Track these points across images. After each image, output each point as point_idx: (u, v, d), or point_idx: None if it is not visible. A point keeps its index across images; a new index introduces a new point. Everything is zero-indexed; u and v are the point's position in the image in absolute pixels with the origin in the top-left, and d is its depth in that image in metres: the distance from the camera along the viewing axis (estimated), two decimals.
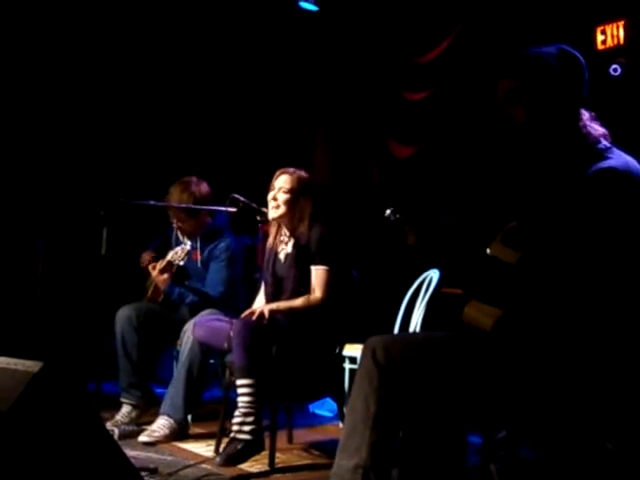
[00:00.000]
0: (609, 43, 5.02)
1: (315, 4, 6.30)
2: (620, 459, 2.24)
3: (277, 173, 3.91)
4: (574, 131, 2.33)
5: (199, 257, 4.49)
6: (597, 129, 2.35)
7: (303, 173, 3.93)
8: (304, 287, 3.82)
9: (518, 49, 2.40)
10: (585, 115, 2.36)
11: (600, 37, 5.05)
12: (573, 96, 2.34)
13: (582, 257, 2.14)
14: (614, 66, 4.91)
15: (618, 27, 4.99)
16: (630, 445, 2.25)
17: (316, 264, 3.80)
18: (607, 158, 2.25)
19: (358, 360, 2.36)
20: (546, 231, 2.24)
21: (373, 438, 2.24)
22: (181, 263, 4.34)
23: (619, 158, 2.26)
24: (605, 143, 2.32)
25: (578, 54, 2.37)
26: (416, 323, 4.37)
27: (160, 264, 4.34)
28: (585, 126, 2.34)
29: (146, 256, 4.59)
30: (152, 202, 4.21)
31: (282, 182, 3.86)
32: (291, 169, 3.91)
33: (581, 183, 2.20)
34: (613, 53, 4.99)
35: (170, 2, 6.18)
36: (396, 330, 4.55)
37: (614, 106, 4.53)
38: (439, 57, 5.98)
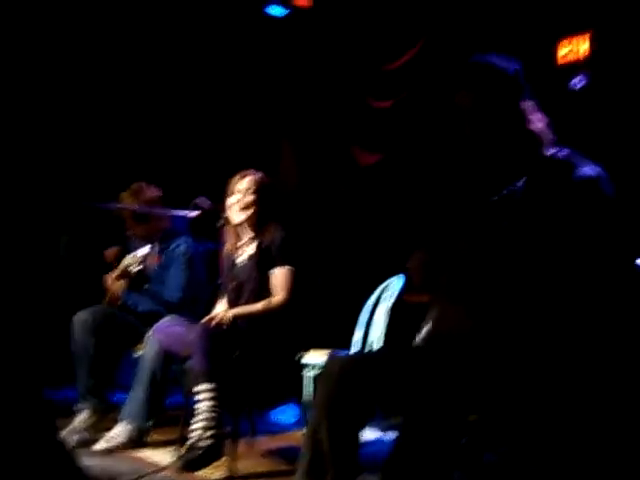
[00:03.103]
0: (571, 56, 5.07)
1: (283, 8, 6.30)
2: (584, 463, 2.24)
3: (238, 176, 3.91)
4: (529, 135, 2.36)
5: (158, 261, 4.46)
6: (550, 134, 2.39)
7: (262, 174, 3.94)
8: (264, 290, 3.79)
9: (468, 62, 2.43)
10: (544, 120, 2.39)
11: (563, 50, 5.09)
12: (521, 98, 2.39)
13: (563, 264, 2.15)
14: (576, 79, 4.95)
15: (581, 41, 5.03)
16: (594, 450, 2.25)
17: (277, 265, 3.78)
18: (579, 166, 2.29)
19: (320, 366, 2.35)
20: (528, 237, 2.24)
21: (340, 461, 2.22)
22: (136, 268, 4.31)
23: (590, 165, 2.29)
24: (564, 150, 2.36)
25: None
26: (379, 330, 4.35)
27: (116, 271, 4.32)
28: (542, 132, 2.37)
29: (111, 253, 4.55)
30: (112, 206, 4.18)
31: (245, 183, 3.85)
32: (251, 171, 3.91)
33: (563, 192, 2.23)
34: (575, 66, 5.03)
35: (134, 4, 6.13)
36: (357, 336, 4.52)
37: (576, 119, 4.57)
38: (406, 65, 6.00)
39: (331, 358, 2.35)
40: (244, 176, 3.89)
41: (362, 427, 2.30)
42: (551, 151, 2.37)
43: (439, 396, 2.22)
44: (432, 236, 2.45)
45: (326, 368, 2.32)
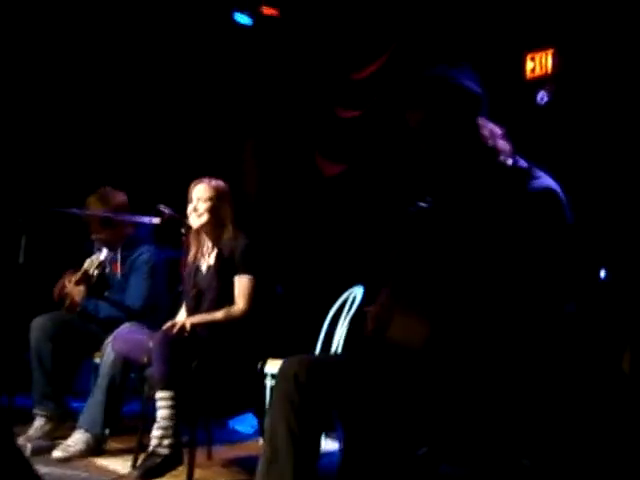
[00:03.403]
0: (537, 71, 5.11)
1: (250, 17, 6.29)
2: (535, 475, 2.25)
3: (193, 184, 3.90)
4: (478, 145, 2.36)
5: (120, 269, 4.42)
6: (504, 144, 2.39)
7: (220, 181, 3.93)
8: (226, 299, 3.77)
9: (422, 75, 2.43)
10: (497, 132, 2.40)
11: (529, 65, 5.13)
12: (479, 108, 2.39)
13: (519, 274, 2.16)
14: (541, 94, 5.00)
15: (547, 55, 5.08)
16: (545, 461, 2.26)
17: (239, 274, 3.77)
18: (537, 177, 2.30)
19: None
20: (481, 249, 2.24)
21: (297, 462, 2.20)
22: (96, 272, 4.27)
23: (548, 177, 2.30)
24: (524, 162, 2.37)
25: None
26: (339, 340, 4.36)
27: (76, 276, 4.27)
28: (491, 140, 2.38)
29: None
30: (72, 210, 4.13)
31: (200, 192, 3.85)
32: (206, 178, 3.91)
33: (520, 201, 2.23)
34: (541, 81, 5.08)
35: (99, 7, 6.10)
36: (318, 346, 4.53)
37: (540, 133, 4.61)
38: (373, 75, 6.02)
39: (286, 360, 2.33)
40: (199, 183, 3.88)
41: (320, 429, 2.29)
42: (511, 161, 2.37)
43: (389, 405, 2.22)
44: (393, 247, 2.46)
45: (282, 368, 2.31)
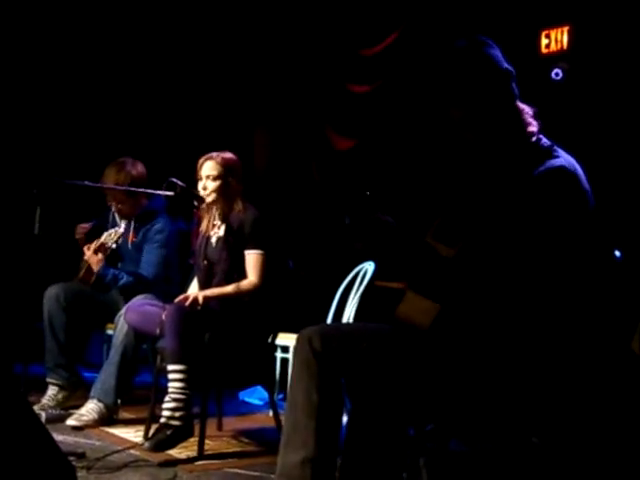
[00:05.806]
0: (553, 47, 5.09)
1: None
2: (544, 453, 2.27)
3: (200, 161, 3.88)
4: (520, 130, 2.34)
5: (133, 239, 4.44)
6: (535, 124, 2.37)
7: (227, 154, 3.90)
8: (236, 271, 3.79)
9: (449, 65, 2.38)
10: (529, 112, 2.38)
11: (544, 41, 5.11)
12: (510, 93, 2.35)
13: (526, 255, 2.15)
14: (556, 70, 4.99)
15: (562, 32, 5.06)
16: (554, 440, 2.28)
17: (250, 248, 3.78)
18: (555, 157, 2.27)
19: (291, 350, 2.35)
20: (492, 227, 2.24)
21: (319, 429, 2.22)
22: (114, 246, 4.27)
23: (566, 157, 2.28)
24: (546, 140, 2.35)
25: (492, 46, 2.36)
26: (349, 315, 4.38)
27: (94, 245, 4.27)
28: (529, 124, 2.35)
29: (80, 229, 4.52)
30: (87, 183, 4.13)
31: (208, 170, 3.83)
32: (214, 153, 3.88)
33: (531, 181, 2.21)
34: (556, 57, 5.06)
35: None
36: (329, 321, 4.54)
37: (555, 109, 4.60)
38: (385, 51, 6.00)
39: (302, 331, 2.34)
40: (206, 160, 3.86)
41: (340, 398, 2.30)
42: (534, 138, 2.34)
43: (398, 379, 2.23)
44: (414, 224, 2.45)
45: (298, 337, 2.32)
